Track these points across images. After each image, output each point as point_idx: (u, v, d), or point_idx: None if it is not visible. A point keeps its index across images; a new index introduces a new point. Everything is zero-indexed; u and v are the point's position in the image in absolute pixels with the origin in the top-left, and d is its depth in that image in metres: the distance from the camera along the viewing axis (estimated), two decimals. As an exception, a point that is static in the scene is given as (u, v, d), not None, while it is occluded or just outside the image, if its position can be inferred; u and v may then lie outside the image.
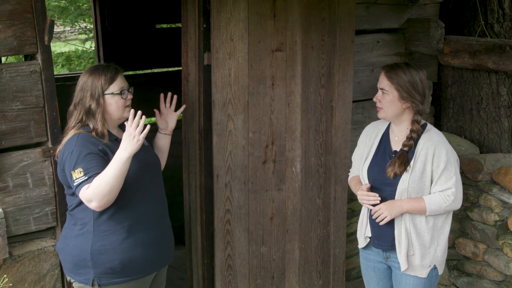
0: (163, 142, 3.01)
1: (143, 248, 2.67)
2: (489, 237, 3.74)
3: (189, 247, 3.44)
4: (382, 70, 2.97)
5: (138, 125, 2.53)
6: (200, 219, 3.30)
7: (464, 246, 3.94)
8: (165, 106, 3.05)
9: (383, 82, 2.92)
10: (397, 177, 2.89)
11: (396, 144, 2.99)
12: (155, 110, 3.06)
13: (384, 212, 2.89)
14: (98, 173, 2.51)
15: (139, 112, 2.56)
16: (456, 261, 4.03)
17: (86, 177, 2.50)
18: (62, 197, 2.80)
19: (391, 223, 2.95)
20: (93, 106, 2.62)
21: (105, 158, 2.58)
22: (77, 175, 2.51)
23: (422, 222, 2.91)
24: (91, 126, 2.63)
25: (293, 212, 3.53)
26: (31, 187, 2.87)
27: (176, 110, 3.06)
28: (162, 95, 3.06)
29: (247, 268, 3.44)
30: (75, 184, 2.52)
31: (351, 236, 4.12)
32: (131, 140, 2.51)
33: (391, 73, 2.90)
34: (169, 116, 3.03)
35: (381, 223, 2.93)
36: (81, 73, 2.74)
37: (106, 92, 2.64)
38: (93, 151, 2.55)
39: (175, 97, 3.06)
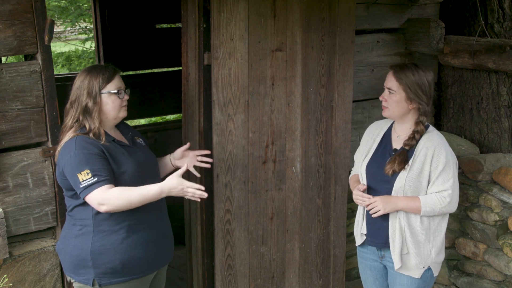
0: (166, 167, 3.00)
1: (143, 247, 2.67)
2: (489, 237, 3.74)
3: (189, 247, 3.44)
4: (391, 69, 2.96)
5: (195, 191, 2.58)
6: (200, 219, 3.30)
7: (464, 246, 3.94)
8: (197, 156, 2.99)
9: (391, 82, 2.92)
10: (395, 174, 2.90)
11: (397, 142, 2.99)
12: (189, 144, 3.02)
13: (379, 205, 2.90)
14: (106, 175, 2.52)
15: (205, 195, 2.60)
16: (456, 261, 4.03)
17: (96, 179, 2.50)
18: (62, 197, 2.80)
19: (385, 220, 2.95)
20: (90, 104, 2.62)
21: (106, 159, 2.58)
22: (84, 176, 2.50)
23: (416, 222, 2.92)
24: (87, 126, 2.63)
25: (293, 212, 3.53)
26: (31, 187, 2.87)
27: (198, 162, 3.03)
28: (205, 152, 3.03)
29: (247, 268, 3.44)
30: (81, 186, 2.51)
31: (351, 236, 4.12)
32: (178, 190, 2.57)
33: (400, 73, 2.89)
34: (189, 160, 2.99)
35: (373, 216, 2.93)
36: (81, 73, 2.75)
37: (103, 91, 2.64)
38: (94, 151, 2.55)
39: (208, 159, 3.02)
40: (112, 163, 2.60)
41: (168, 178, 2.59)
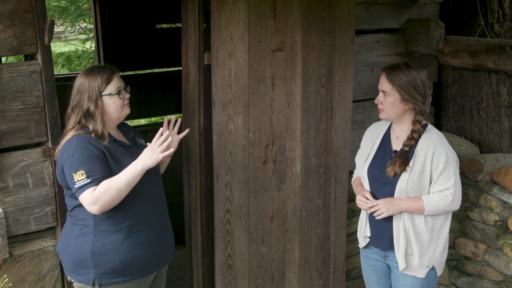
0: (162, 163, 2.96)
1: (144, 248, 2.67)
2: (489, 237, 3.74)
3: (189, 247, 3.44)
4: (383, 72, 2.96)
5: (162, 143, 2.58)
6: (200, 219, 3.30)
7: (464, 246, 3.94)
8: (168, 129, 2.95)
9: (384, 84, 2.92)
10: (397, 176, 2.90)
11: (397, 143, 2.99)
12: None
13: (382, 208, 2.90)
14: (101, 177, 2.52)
15: (167, 133, 2.60)
16: (456, 261, 4.03)
17: (89, 180, 2.50)
18: (62, 197, 2.80)
19: (389, 222, 2.95)
20: (92, 108, 2.61)
21: (106, 160, 2.58)
22: (79, 177, 2.50)
23: (421, 222, 2.91)
24: (90, 127, 2.62)
25: (293, 212, 3.53)
26: (31, 187, 2.87)
27: (178, 133, 3.00)
28: (166, 119, 2.97)
29: (247, 268, 3.44)
30: (76, 186, 2.51)
31: (351, 236, 4.12)
32: (150, 155, 2.58)
33: (392, 75, 2.89)
34: (171, 139, 2.97)
35: (377, 218, 2.93)
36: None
37: (104, 93, 2.64)
38: (94, 153, 2.55)
39: (179, 120, 3.01)
40: (112, 163, 2.60)
41: None
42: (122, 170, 2.60)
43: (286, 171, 3.46)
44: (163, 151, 2.59)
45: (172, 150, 2.63)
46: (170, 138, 2.61)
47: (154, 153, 2.58)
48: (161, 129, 2.68)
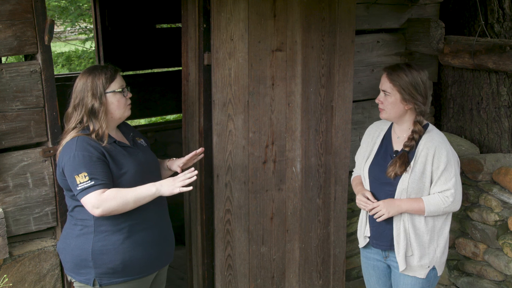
0: (164, 171, 2.97)
1: (144, 248, 2.67)
2: (489, 237, 3.74)
3: (189, 247, 3.44)
4: (384, 71, 2.96)
5: (184, 180, 2.59)
6: (200, 219, 3.30)
7: (464, 246, 3.94)
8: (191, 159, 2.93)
9: (385, 84, 2.92)
10: (397, 177, 2.89)
11: (398, 144, 2.99)
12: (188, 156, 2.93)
13: (382, 209, 2.90)
14: (104, 180, 2.52)
15: (195, 173, 2.62)
16: (456, 261, 4.03)
17: (92, 182, 2.49)
18: (62, 197, 2.80)
19: (390, 223, 2.95)
20: (96, 105, 2.61)
21: (106, 162, 2.58)
22: (82, 179, 2.50)
23: (421, 223, 2.91)
24: (91, 127, 2.62)
25: (293, 212, 3.53)
26: (31, 187, 2.87)
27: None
28: (195, 152, 2.91)
29: (247, 268, 3.44)
30: (78, 188, 2.51)
31: (351, 236, 4.12)
32: (169, 185, 2.59)
33: (393, 75, 2.89)
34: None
35: (378, 220, 2.93)
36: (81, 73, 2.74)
37: (108, 90, 2.64)
38: (95, 154, 2.54)
39: (202, 155, 2.99)
40: (112, 165, 2.59)
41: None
42: (124, 170, 2.61)
43: (286, 171, 3.46)
44: (182, 187, 2.59)
45: (190, 188, 2.62)
46: (195, 178, 2.62)
47: (174, 184, 2.59)
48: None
